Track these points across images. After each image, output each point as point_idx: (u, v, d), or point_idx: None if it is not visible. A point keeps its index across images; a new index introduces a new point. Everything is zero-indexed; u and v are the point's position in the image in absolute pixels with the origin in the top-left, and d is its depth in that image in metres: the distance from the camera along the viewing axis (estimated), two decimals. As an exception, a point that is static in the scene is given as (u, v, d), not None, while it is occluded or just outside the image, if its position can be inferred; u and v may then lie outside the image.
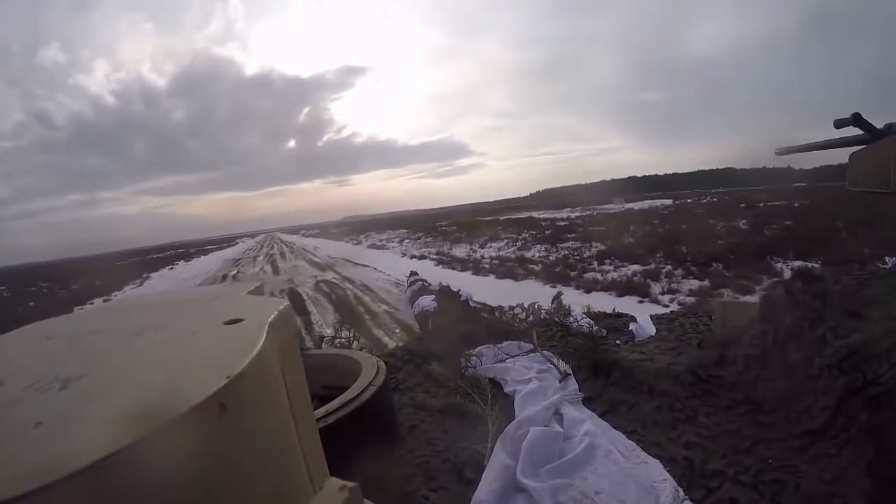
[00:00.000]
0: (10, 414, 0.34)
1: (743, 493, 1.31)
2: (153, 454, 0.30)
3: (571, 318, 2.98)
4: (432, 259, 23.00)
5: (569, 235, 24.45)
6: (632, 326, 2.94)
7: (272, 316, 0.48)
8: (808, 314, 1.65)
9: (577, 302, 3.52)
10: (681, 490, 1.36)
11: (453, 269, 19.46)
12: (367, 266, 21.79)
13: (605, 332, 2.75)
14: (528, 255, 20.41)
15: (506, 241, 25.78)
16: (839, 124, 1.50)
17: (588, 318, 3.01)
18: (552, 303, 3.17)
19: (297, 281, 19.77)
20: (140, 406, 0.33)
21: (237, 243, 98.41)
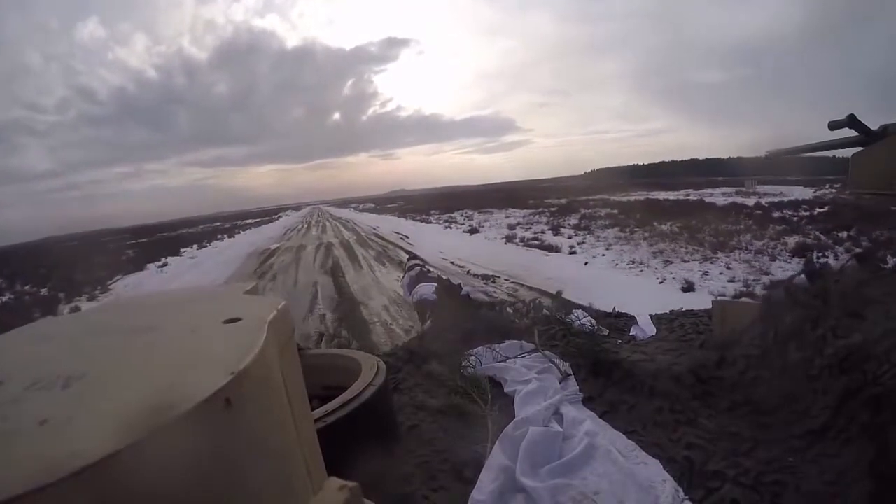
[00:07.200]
0: (14, 412, 0.33)
1: (743, 493, 1.31)
2: (163, 449, 0.30)
3: (573, 317, 2.98)
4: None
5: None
6: (633, 329, 2.93)
7: (271, 315, 0.48)
8: (808, 314, 1.65)
9: None
10: (681, 490, 1.36)
11: None
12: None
13: (606, 331, 2.74)
14: None
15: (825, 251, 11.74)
16: (834, 126, 1.50)
17: (589, 318, 3.00)
18: (553, 301, 3.17)
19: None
20: (148, 402, 0.33)
21: (280, 217, 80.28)
